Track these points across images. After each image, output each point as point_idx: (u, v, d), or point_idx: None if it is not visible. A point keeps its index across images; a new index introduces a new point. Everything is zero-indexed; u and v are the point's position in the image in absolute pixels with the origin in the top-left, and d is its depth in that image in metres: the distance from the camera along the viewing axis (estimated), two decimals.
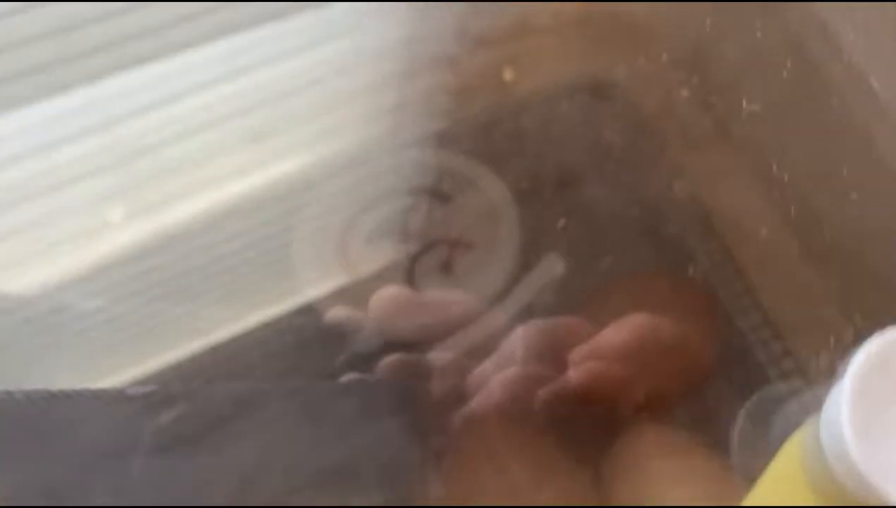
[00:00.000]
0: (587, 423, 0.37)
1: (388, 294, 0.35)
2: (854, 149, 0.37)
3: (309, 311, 0.38)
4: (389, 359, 0.34)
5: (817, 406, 0.20)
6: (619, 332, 0.36)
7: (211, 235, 0.39)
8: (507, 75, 0.42)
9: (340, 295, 0.38)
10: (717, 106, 0.42)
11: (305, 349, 0.38)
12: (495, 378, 0.35)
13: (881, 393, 0.17)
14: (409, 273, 0.38)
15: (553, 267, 0.38)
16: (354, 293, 0.38)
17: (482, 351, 0.37)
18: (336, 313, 0.35)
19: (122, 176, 0.37)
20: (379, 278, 0.38)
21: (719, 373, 0.39)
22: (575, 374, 0.35)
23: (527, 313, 0.37)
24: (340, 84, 0.40)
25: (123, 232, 0.38)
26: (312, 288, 0.38)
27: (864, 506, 0.17)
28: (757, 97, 0.41)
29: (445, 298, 0.37)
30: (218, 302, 0.40)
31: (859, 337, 0.19)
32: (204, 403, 0.29)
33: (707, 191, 0.42)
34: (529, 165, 0.40)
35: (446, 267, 0.38)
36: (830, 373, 0.20)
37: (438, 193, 0.40)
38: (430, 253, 0.39)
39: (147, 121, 0.38)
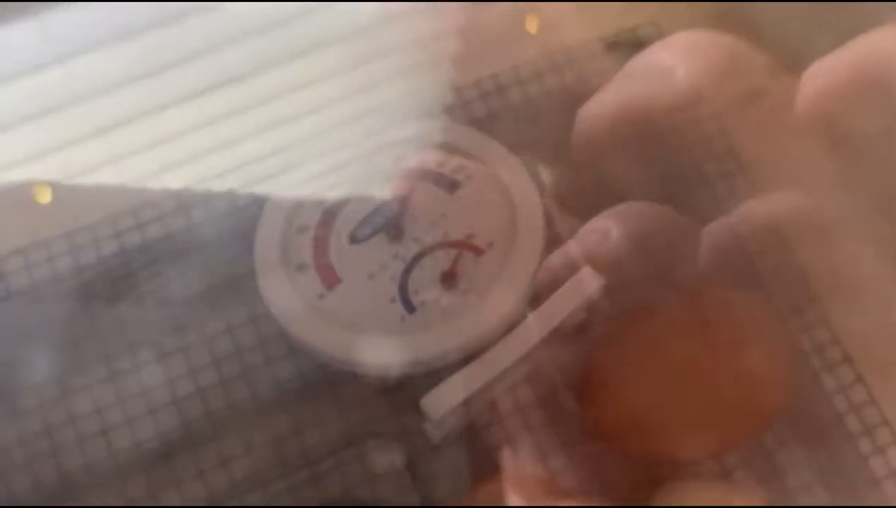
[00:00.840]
0: (623, 477, 0.29)
1: None
2: None
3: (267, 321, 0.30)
4: None
5: None
6: None
7: None
8: (531, 26, 0.33)
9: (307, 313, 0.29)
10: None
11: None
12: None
13: None
14: (402, 286, 0.30)
15: (588, 282, 0.29)
16: (322, 308, 0.30)
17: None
18: None
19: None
20: (358, 289, 0.30)
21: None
22: None
23: (552, 339, 0.29)
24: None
25: None
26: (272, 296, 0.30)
27: None
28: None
29: None
30: None
31: None
32: None
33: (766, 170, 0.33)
34: (560, 142, 0.31)
35: (449, 279, 0.30)
36: None
37: (441, 179, 0.31)
38: (428, 258, 0.30)
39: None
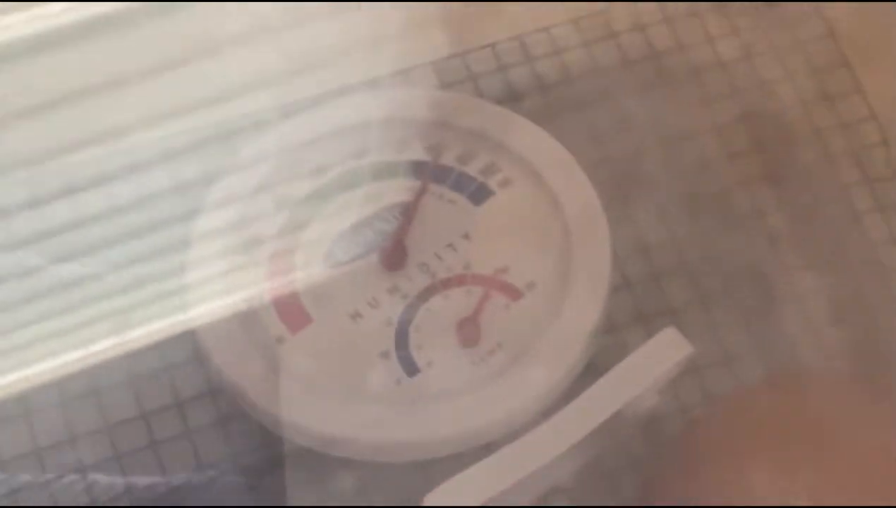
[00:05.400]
0: None
1: None
2: None
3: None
4: None
5: None
6: None
7: None
8: None
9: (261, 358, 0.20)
10: None
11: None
12: None
13: None
14: (401, 335, 0.20)
15: (673, 346, 0.20)
16: (283, 357, 0.20)
17: None
18: None
19: None
20: (334, 334, 0.21)
21: None
22: None
23: (614, 427, 0.20)
24: None
25: None
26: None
27: None
28: None
29: None
30: None
31: None
32: None
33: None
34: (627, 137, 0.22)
35: (469, 330, 0.20)
36: None
37: (467, 184, 0.22)
38: (443, 297, 0.21)
39: None
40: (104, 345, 0.22)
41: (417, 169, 0.22)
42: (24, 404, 0.22)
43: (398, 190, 0.22)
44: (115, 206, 0.23)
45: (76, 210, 0.22)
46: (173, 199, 0.21)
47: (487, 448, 0.20)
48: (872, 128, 0.26)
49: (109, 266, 0.22)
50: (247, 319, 0.21)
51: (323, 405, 0.20)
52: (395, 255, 0.21)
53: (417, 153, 0.22)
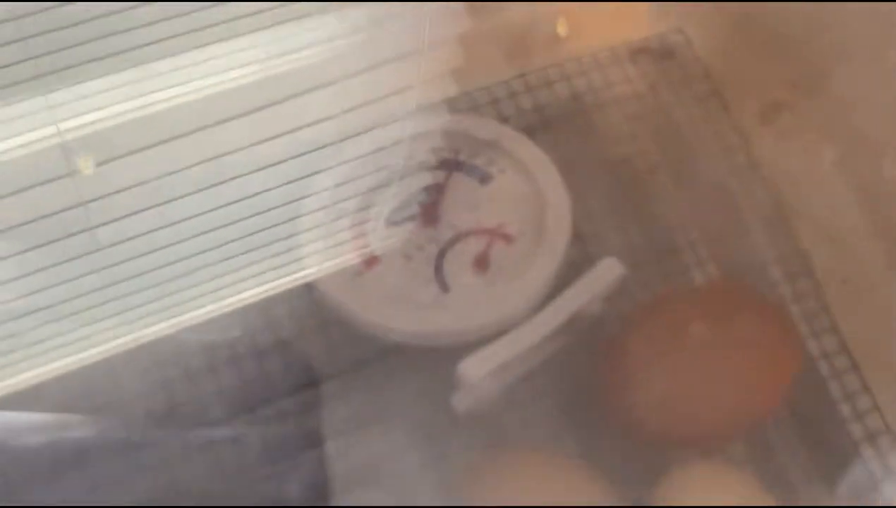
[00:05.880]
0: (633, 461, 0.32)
1: None
2: None
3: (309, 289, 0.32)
4: None
5: None
6: None
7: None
8: (561, 29, 0.35)
9: (350, 289, 0.32)
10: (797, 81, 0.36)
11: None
12: None
13: None
14: (437, 267, 0.32)
15: (612, 271, 0.32)
16: (368, 285, 0.32)
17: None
18: None
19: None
20: (399, 270, 0.32)
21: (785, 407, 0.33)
22: None
23: (574, 324, 0.31)
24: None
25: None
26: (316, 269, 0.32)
27: None
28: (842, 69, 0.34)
29: None
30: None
31: None
32: None
33: (785, 180, 0.36)
34: (586, 140, 0.33)
35: (481, 263, 0.32)
36: None
37: (477, 171, 0.34)
38: (464, 243, 0.32)
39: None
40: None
41: (445, 163, 0.34)
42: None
43: (433, 176, 0.34)
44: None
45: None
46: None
47: (493, 337, 0.32)
48: None
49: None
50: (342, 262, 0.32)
51: (391, 311, 0.32)
52: (431, 217, 0.33)
53: (445, 153, 0.34)
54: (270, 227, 0.32)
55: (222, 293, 0.33)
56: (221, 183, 0.30)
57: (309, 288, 0.32)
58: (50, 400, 0.32)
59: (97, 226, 0.29)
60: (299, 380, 0.33)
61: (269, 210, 0.32)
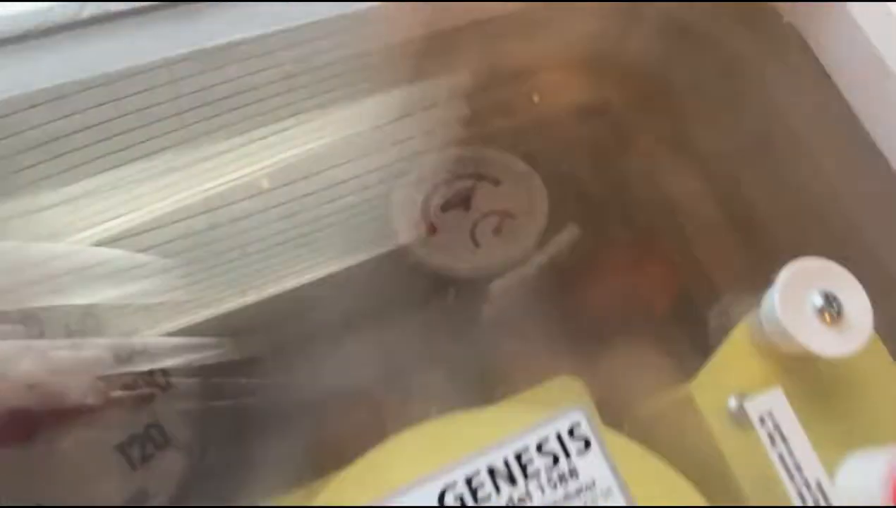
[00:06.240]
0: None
1: None
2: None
3: (399, 254, 0.55)
4: None
5: (757, 305, 0.37)
6: None
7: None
8: (535, 98, 0.60)
9: (420, 245, 0.55)
10: (681, 127, 0.61)
11: (396, 283, 0.55)
12: None
13: (795, 289, 0.35)
14: (472, 233, 0.56)
15: (572, 232, 0.55)
16: (429, 242, 0.55)
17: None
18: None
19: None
20: (449, 235, 0.56)
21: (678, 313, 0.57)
22: None
23: (552, 264, 0.55)
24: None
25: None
26: (403, 238, 0.55)
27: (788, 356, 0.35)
28: (712, 121, 0.59)
29: None
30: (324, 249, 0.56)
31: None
32: None
33: (671, 185, 0.60)
34: (554, 162, 0.58)
35: (497, 230, 0.56)
36: (763, 288, 0.37)
37: (492, 179, 0.57)
38: (487, 219, 0.56)
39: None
40: None
41: (473, 174, 0.58)
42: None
43: (467, 182, 0.58)
44: None
45: None
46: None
47: (506, 271, 0.55)
48: None
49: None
50: (413, 229, 0.56)
51: (445, 259, 0.55)
52: (467, 205, 0.57)
53: (472, 169, 0.58)
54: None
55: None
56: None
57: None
58: None
59: None
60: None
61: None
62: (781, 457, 0.32)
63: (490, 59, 0.57)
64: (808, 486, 0.31)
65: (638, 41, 0.59)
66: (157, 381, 0.48)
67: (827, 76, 0.49)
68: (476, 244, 0.55)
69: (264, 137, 0.49)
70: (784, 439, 0.32)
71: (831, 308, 0.33)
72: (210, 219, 0.49)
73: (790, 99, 0.53)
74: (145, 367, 0.45)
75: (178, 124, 0.46)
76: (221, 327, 0.49)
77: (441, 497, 0.28)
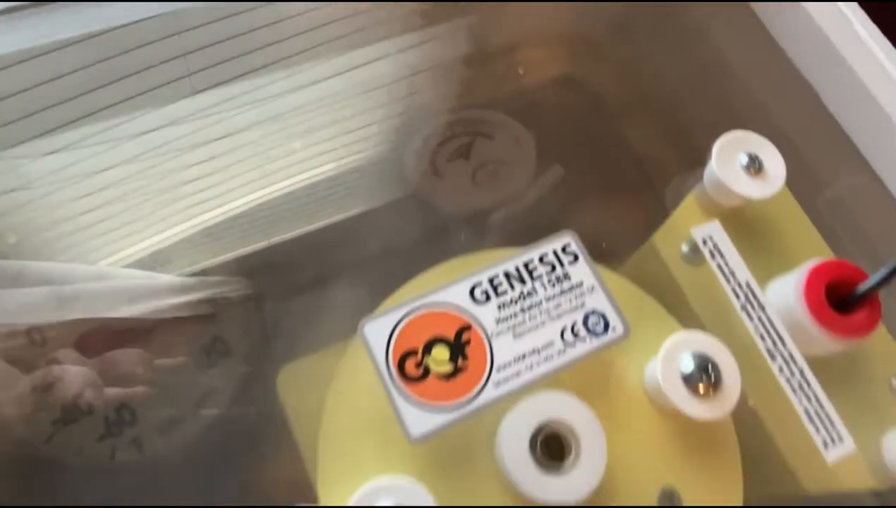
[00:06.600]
0: None
1: None
2: None
3: (411, 199, 0.66)
4: None
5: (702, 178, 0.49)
6: None
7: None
8: (521, 70, 0.72)
9: (431, 189, 0.66)
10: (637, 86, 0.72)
11: (409, 222, 0.66)
12: None
13: (727, 152, 0.46)
14: (473, 178, 0.67)
15: (556, 172, 0.67)
16: (438, 186, 0.66)
17: None
18: None
19: None
20: (454, 179, 0.67)
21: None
22: None
23: (542, 200, 0.66)
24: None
25: None
26: (415, 185, 0.66)
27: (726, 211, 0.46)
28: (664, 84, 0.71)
29: None
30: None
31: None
32: None
33: (633, 134, 0.72)
34: (539, 120, 0.69)
35: (493, 175, 0.67)
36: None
37: (487, 134, 0.69)
38: (484, 167, 0.67)
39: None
40: None
41: (472, 131, 0.70)
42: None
43: (466, 138, 0.69)
44: None
45: None
46: None
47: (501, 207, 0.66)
48: None
49: None
50: (424, 173, 0.67)
51: (451, 196, 0.66)
52: (468, 156, 0.68)
53: (472, 127, 0.70)
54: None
55: None
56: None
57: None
58: None
59: None
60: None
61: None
62: (720, 267, 0.42)
63: (483, 39, 0.70)
64: (739, 286, 0.42)
65: (604, 21, 0.71)
66: (219, 301, 0.59)
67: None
68: (476, 185, 0.66)
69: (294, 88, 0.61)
70: (721, 254, 0.43)
71: (754, 164, 0.44)
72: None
73: (734, 51, 0.65)
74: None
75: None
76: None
77: (472, 290, 0.39)
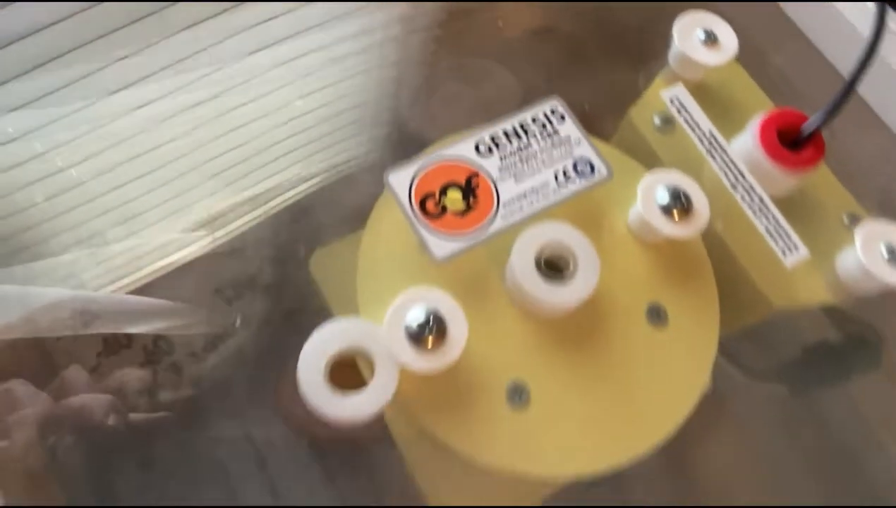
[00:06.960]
0: None
1: None
2: None
3: (413, 139, 0.74)
4: None
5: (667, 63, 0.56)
6: None
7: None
8: (500, 24, 0.80)
9: (429, 126, 0.74)
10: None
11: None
12: None
13: (687, 31, 0.54)
14: (468, 114, 0.74)
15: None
16: (436, 125, 0.74)
17: None
18: None
19: None
20: (453, 120, 0.74)
21: None
22: None
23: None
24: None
25: None
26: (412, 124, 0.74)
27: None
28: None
29: None
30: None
31: None
32: None
33: (606, 78, 0.80)
34: (520, 68, 0.77)
35: (488, 110, 0.75)
36: None
37: (475, 80, 0.77)
38: (474, 106, 0.75)
39: None
40: None
41: (467, 77, 0.77)
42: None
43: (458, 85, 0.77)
44: None
45: None
46: None
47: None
48: None
49: None
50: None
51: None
52: (455, 98, 0.76)
53: (467, 73, 0.78)
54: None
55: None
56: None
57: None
58: None
59: None
60: None
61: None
62: (686, 121, 0.50)
63: None
64: (704, 134, 0.49)
65: None
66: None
67: None
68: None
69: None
70: (686, 109, 0.50)
71: (710, 38, 0.52)
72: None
73: None
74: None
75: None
76: None
77: (476, 146, 0.46)
